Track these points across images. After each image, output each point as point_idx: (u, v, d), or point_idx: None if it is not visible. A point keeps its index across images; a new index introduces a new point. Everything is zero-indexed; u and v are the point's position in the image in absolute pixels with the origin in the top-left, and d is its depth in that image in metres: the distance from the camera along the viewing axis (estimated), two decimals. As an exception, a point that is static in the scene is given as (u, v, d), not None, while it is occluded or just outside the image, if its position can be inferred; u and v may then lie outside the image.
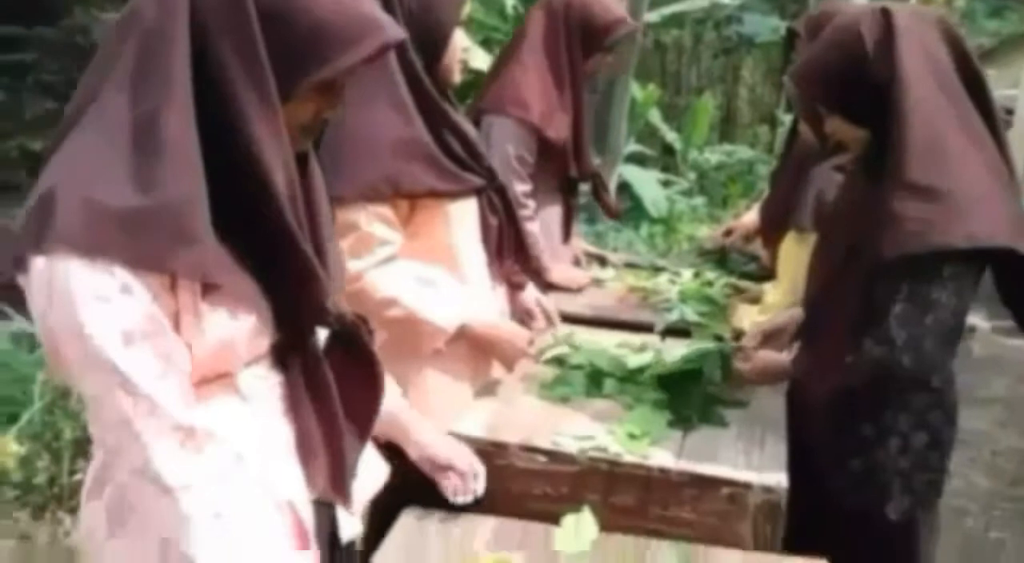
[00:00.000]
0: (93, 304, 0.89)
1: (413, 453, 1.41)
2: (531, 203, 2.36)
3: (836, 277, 1.53)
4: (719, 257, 2.76)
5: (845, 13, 1.53)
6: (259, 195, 0.97)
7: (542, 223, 2.40)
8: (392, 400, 1.35)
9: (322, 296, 1.06)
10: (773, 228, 2.33)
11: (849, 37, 1.45)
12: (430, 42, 1.63)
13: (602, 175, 2.75)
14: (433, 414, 1.57)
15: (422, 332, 1.68)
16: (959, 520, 2.91)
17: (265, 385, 1.11)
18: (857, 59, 1.44)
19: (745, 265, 2.66)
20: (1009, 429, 3.63)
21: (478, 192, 1.76)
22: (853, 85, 1.45)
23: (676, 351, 1.85)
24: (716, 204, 8.84)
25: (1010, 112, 8.95)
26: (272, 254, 1.01)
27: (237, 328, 1.01)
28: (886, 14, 1.43)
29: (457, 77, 1.72)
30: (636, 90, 8.35)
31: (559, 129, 2.27)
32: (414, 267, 1.69)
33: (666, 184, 8.89)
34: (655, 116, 9.19)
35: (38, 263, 0.89)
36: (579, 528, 1.40)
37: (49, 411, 2.97)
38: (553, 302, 2.21)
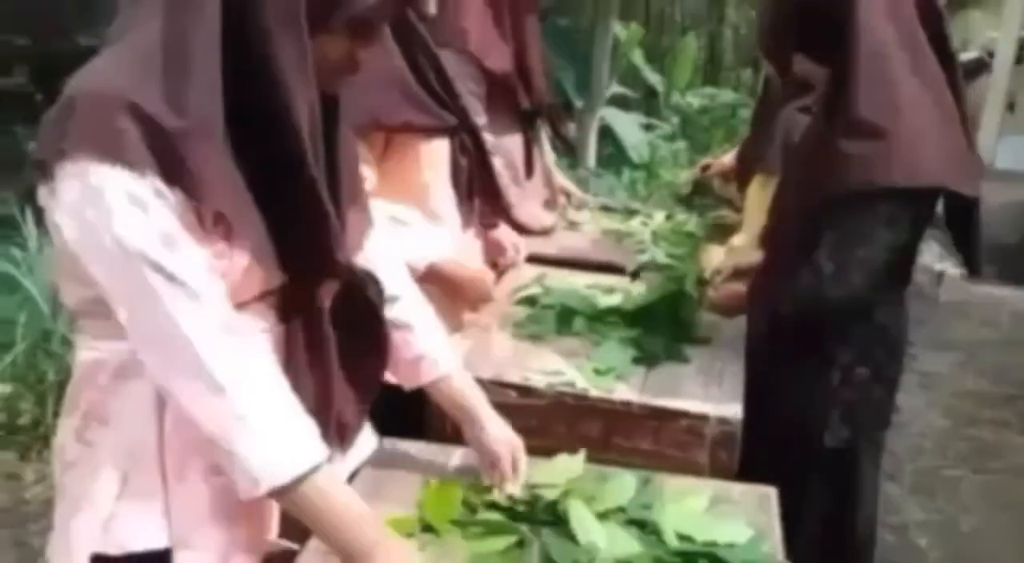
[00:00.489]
0: (129, 208, 0.89)
1: (474, 442, 1.33)
2: (487, 137, 2.24)
3: (788, 213, 1.58)
4: (690, 199, 2.80)
5: None
6: (279, 124, 0.95)
7: (504, 158, 2.32)
8: (465, 382, 1.34)
9: (333, 245, 1.05)
10: (745, 170, 2.38)
11: None
12: None
13: (558, 108, 2.61)
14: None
15: None
16: (916, 458, 3.03)
17: (251, 330, 1.07)
18: (819, 1, 1.46)
19: (716, 208, 2.70)
20: (968, 372, 3.75)
21: (450, 133, 1.78)
22: (814, 23, 1.48)
23: (644, 291, 1.90)
24: (698, 149, 8.79)
25: (991, 55, 8.94)
26: (287, 195, 0.99)
27: (230, 266, 0.99)
28: None
29: (432, 8, 1.72)
30: (619, 30, 8.27)
31: (500, 60, 2.18)
32: (385, 206, 1.72)
33: (648, 128, 8.86)
34: (638, 57, 9.10)
35: (65, 168, 0.89)
36: (565, 465, 1.37)
37: (32, 353, 3.01)
38: (526, 243, 2.27)
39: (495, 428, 1.32)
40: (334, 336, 1.14)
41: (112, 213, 0.89)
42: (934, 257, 4.61)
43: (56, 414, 2.85)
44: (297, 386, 1.07)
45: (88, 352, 1.06)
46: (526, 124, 2.40)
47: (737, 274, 1.76)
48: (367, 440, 1.33)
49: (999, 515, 2.76)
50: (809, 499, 1.68)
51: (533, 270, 2.16)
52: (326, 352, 1.13)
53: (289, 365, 1.10)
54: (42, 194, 0.95)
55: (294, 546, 1.16)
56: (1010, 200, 6.40)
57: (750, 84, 11.06)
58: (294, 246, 1.02)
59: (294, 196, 0.99)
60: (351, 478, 1.29)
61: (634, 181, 7.47)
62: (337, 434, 1.17)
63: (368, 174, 1.67)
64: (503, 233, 1.99)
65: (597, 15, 7.28)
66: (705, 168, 2.82)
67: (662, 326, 1.79)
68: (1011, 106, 10.02)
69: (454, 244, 1.84)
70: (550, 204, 2.64)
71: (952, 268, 4.83)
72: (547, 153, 2.71)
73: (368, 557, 1.00)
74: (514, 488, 1.28)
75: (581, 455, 1.38)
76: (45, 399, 2.86)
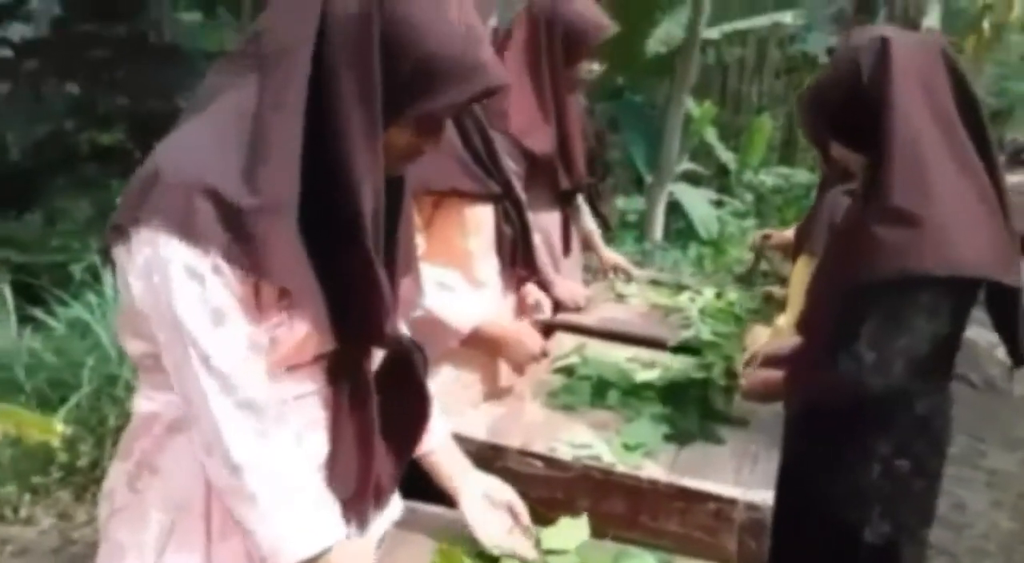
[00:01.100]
0: (187, 280, 0.95)
1: (468, 508, 1.32)
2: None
3: (824, 299, 1.56)
4: (748, 276, 2.79)
5: (853, 38, 1.56)
6: (345, 208, 1.01)
7: (542, 235, 2.36)
8: (449, 448, 1.36)
9: (383, 318, 1.09)
10: (797, 249, 2.36)
11: (847, 65, 1.49)
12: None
13: (598, 187, 2.67)
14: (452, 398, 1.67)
15: (438, 332, 1.75)
16: (980, 562, 2.86)
17: (297, 392, 1.12)
18: (853, 87, 1.47)
19: (771, 284, 2.68)
20: (1042, 473, 3.55)
21: (495, 200, 1.83)
22: (849, 112, 1.49)
23: (684, 368, 1.89)
24: (770, 227, 8.68)
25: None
26: (344, 268, 1.04)
27: (289, 333, 1.05)
28: (884, 43, 1.47)
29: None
30: (693, 107, 8.36)
31: (542, 142, 2.23)
32: (432, 271, 1.77)
33: (719, 204, 8.85)
34: (711, 135, 9.16)
35: (140, 235, 0.96)
36: (571, 529, 1.42)
37: (96, 397, 3.13)
38: (576, 316, 2.30)
39: (487, 492, 1.34)
40: (378, 401, 1.17)
41: (172, 283, 0.96)
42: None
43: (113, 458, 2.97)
44: (341, 446, 1.13)
45: (146, 403, 1.12)
46: (565, 203, 2.45)
47: (767, 361, 1.74)
48: (395, 504, 1.35)
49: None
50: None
51: (574, 340, 2.17)
52: (369, 415, 1.16)
53: (335, 425, 1.15)
54: (118, 253, 1.03)
55: None
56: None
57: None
58: (347, 316, 1.07)
59: (352, 272, 1.05)
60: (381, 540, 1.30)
61: (701, 257, 7.43)
62: (374, 496, 1.20)
63: (418, 240, 1.73)
64: (528, 289, 2.03)
65: (671, 92, 7.39)
66: (766, 238, 2.82)
67: (696, 405, 1.77)
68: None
69: (496, 308, 1.87)
70: (592, 278, 2.65)
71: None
72: (592, 229, 2.75)
73: None
74: (530, 552, 1.29)
75: (584, 518, 1.37)
76: (104, 442, 2.95)
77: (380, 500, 1.22)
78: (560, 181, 2.32)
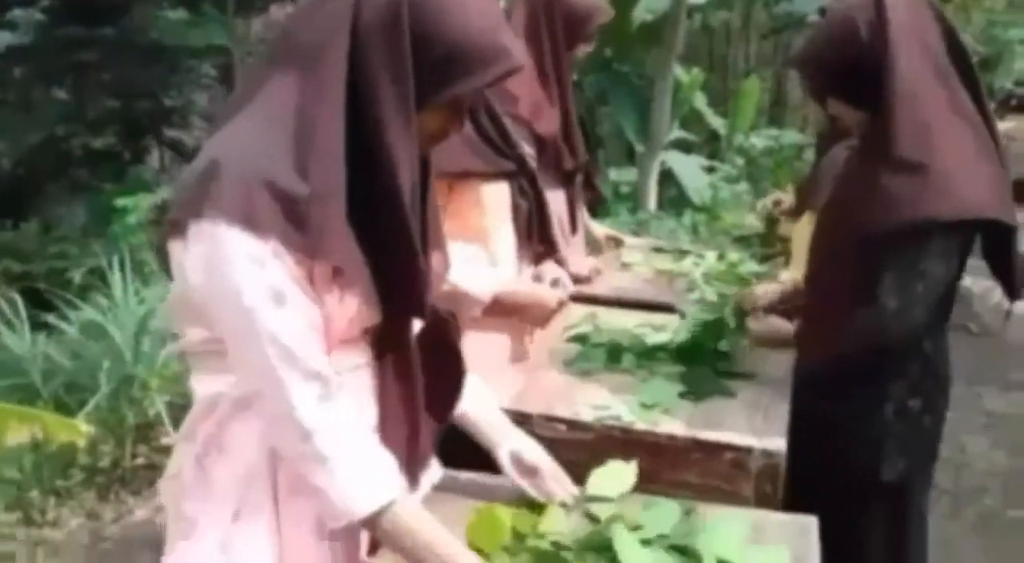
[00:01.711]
0: (248, 265, 1.01)
1: (504, 460, 1.41)
2: None
3: (834, 252, 1.61)
4: (747, 240, 2.84)
5: (842, 2, 1.61)
6: (386, 190, 1.08)
7: (553, 216, 2.31)
8: (487, 407, 1.43)
9: (423, 291, 1.17)
10: (800, 208, 2.41)
11: (844, 24, 1.54)
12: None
13: (592, 164, 2.68)
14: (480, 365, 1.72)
15: (461, 303, 1.81)
16: (979, 498, 2.94)
17: (352, 363, 1.19)
18: (852, 45, 1.52)
19: (770, 250, 2.74)
20: (1037, 413, 3.63)
21: (509, 177, 1.89)
22: (849, 70, 1.54)
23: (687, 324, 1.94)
24: (762, 191, 8.74)
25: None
26: (387, 246, 1.11)
27: (341, 308, 1.12)
28: (879, 1, 1.51)
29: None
30: (681, 74, 8.36)
31: (549, 123, 2.27)
32: (453, 246, 1.83)
33: (711, 171, 8.87)
34: (700, 101, 9.16)
35: (201, 227, 1.02)
36: (617, 476, 1.44)
37: (114, 398, 3.19)
38: (585, 286, 2.38)
39: (517, 440, 1.42)
40: (419, 370, 1.25)
41: (235, 268, 1.02)
42: (1003, 296, 4.48)
43: (134, 456, 3.03)
44: (389, 413, 1.21)
45: (208, 385, 1.18)
46: (568, 183, 2.48)
47: (773, 309, 1.80)
48: (435, 467, 1.43)
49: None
50: (863, 533, 1.68)
51: (585, 309, 2.23)
52: (414, 383, 1.24)
53: (382, 394, 1.22)
54: (173, 246, 1.09)
55: None
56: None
57: (816, 124, 10.97)
58: (391, 290, 1.15)
59: (394, 248, 1.12)
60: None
61: (696, 224, 7.48)
62: (420, 461, 1.28)
63: None
64: (546, 268, 2.09)
65: (659, 61, 7.40)
66: (777, 203, 2.87)
67: (707, 362, 1.83)
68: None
69: (512, 282, 1.93)
70: (594, 253, 2.72)
71: (1021, 306, 4.70)
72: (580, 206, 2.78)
73: None
74: (568, 495, 1.39)
75: (633, 464, 1.43)
76: (124, 442, 3.02)
77: (424, 461, 1.30)
78: (565, 161, 2.36)
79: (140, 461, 3.02)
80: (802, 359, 1.74)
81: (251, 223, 1.00)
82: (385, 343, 1.22)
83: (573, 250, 2.53)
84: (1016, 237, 1.56)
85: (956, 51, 1.52)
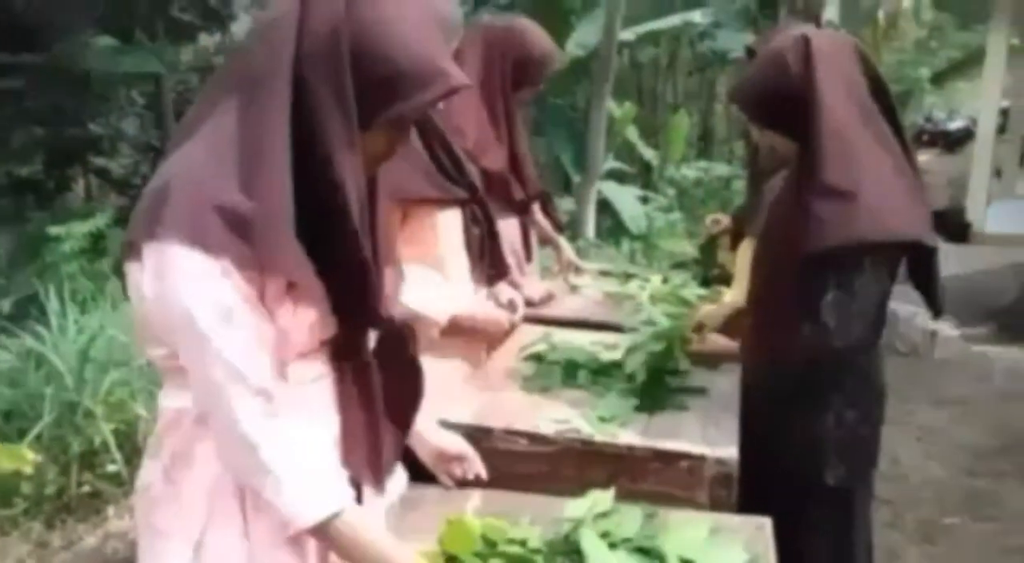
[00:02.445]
0: (198, 284, 1.05)
1: (416, 446, 1.51)
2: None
3: (773, 273, 1.73)
4: (688, 265, 2.97)
5: (776, 39, 1.74)
6: (334, 206, 1.13)
7: (506, 243, 2.40)
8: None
9: (376, 301, 1.22)
10: (737, 236, 2.54)
11: (774, 63, 1.67)
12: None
13: (547, 195, 2.76)
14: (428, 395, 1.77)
15: (418, 325, 1.83)
16: (916, 507, 3.11)
17: (313, 374, 1.24)
18: (782, 81, 1.65)
19: (709, 273, 2.86)
20: (964, 425, 3.85)
21: (462, 204, 1.96)
22: (780, 103, 1.67)
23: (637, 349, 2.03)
24: (695, 220, 9.01)
25: (976, 124, 9.21)
26: (338, 259, 1.17)
27: (297, 321, 1.16)
28: (806, 41, 1.65)
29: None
30: (614, 108, 8.60)
31: (495, 160, 2.36)
32: (409, 270, 1.88)
33: (645, 201, 9.10)
34: (632, 133, 9.42)
35: (152, 248, 1.06)
36: (595, 502, 1.45)
37: (57, 425, 3.12)
38: (535, 310, 2.46)
39: (425, 425, 1.52)
40: (379, 378, 1.30)
41: (184, 287, 1.06)
42: (927, 318, 4.74)
43: (80, 484, 2.97)
44: (349, 421, 1.26)
45: (173, 400, 1.22)
46: (521, 212, 2.58)
47: (720, 325, 1.91)
48: (400, 475, 1.48)
49: (998, 560, 2.82)
50: (810, 536, 1.78)
51: (540, 329, 2.31)
52: (373, 392, 1.29)
53: (342, 403, 1.27)
54: (130, 268, 1.12)
55: None
56: (1001, 263, 6.59)
57: (743, 156, 11.37)
58: (345, 302, 1.20)
59: (345, 261, 1.17)
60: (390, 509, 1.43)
61: (633, 251, 7.67)
62: (384, 466, 1.32)
63: None
64: (500, 289, 2.17)
65: (592, 94, 7.60)
66: (716, 221, 3.00)
67: (660, 378, 1.92)
68: (998, 172, 10.35)
69: (468, 304, 1.99)
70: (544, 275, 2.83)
71: (950, 329, 4.97)
72: (551, 232, 2.86)
73: None
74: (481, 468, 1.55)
75: (611, 492, 1.48)
76: (69, 470, 2.96)
77: (389, 467, 1.35)
78: (514, 193, 2.45)
79: (86, 489, 2.96)
80: (748, 373, 1.85)
81: (200, 242, 1.05)
82: (343, 354, 1.27)
83: (528, 276, 2.62)
84: (937, 258, 1.71)
85: (878, 87, 1.67)
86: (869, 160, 1.62)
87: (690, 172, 10.16)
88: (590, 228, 7.70)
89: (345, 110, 1.11)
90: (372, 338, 1.30)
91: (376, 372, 1.29)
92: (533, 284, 2.61)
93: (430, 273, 1.90)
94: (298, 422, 1.16)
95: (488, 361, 2.14)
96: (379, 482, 1.30)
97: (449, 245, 1.95)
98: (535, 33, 2.39)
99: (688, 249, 7.15)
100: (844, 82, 1.64)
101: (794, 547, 1.73)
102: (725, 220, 2.97)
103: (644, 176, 10.20)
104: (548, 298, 2.61)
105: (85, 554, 2.62)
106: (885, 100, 1.68)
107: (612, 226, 8.44)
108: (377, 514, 1.35)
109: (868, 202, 1.58)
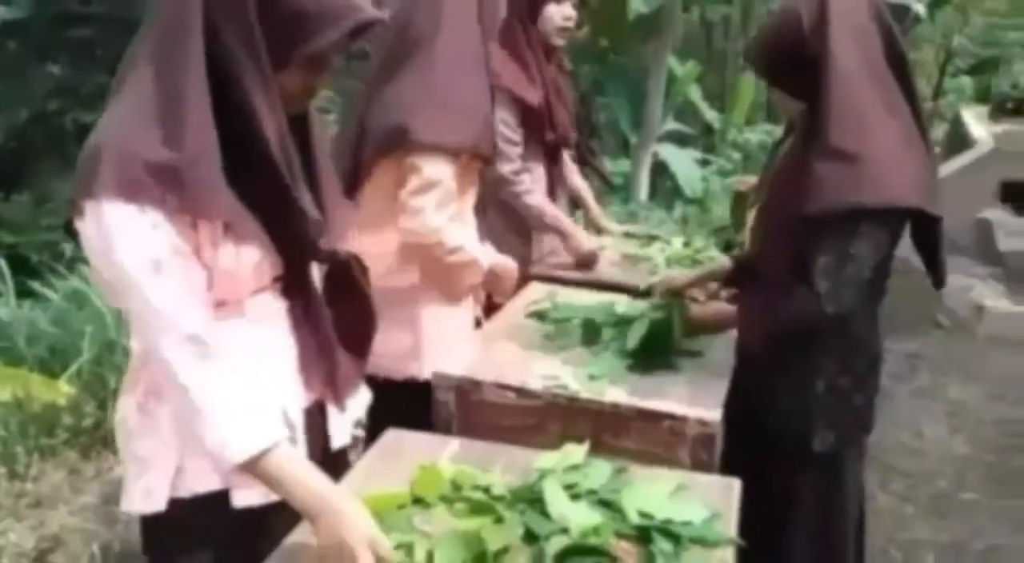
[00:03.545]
0: (128, 237, 1.11)
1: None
2: (523, 179, 2.47)
3: (771, 235, 1.70)
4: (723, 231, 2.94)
5: None
6: (256, 148, 1.18)
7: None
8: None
9: (313, 234, 1.29)
10: (758, 198, 2.49)
11: (790, 19, 1.62)
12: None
13: (586, 143, 2.88)
14: (451, 339, 1.99)
15: (473, 273, 2.00)
16: (933, 482, 3.04)
17: (269, 309, 1.32)
18: (795, 39, 1.60)
19: (738, 235, 2.82)
20: (996, 402, 3.71)
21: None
22: (791, 61, 1.62)
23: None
24: (758, 185, 8.71)
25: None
26: (270, 199, 1.22)
27: (241, 261, 1.22)
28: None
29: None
30: (676, 67, 8.42)
31: (532, 94, 2.41)
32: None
33: (704, 164, 8.95)
34: (696, 94, 9.21)
35: (88, 206, 1.12)
36: (568, 455, 1.48)
37: (97, 363, 3.28)
38: (549, 267, 2.54)
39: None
40: (329, 308, 1.38)
41: (116, 241, 1.11)
42: (978, 292, 4.58)
43: (116, 418, 3.12)
44: (306, 352, 1.35)
45: (140, 343, 1.28)
46: (550, 159, 2.62)
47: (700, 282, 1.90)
48: (365, 394, 1.55)
49: (1018, 536, 2.76)
50: (797, 502, 1.77)
51: (546, 288, 2.32)
52: (323, 323, 1.37)
53: (298, 336, 1.35)
54: (80, 225, 1.17)
55: None
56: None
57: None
58: (283, 239, 1.27)
59: (274, 198, 1.23)
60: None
61: (686, 216, 7.55)
62: (343, 384, 1.42)
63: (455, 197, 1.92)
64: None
65: (653, 53, 7.45)
66: (743, 182, 2.95)
67: (656, 342, 1.91)
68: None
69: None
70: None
71: (1003, 304, 4.78)
72: (581, 186, 2.91)
73: (319, 518, 1.16)
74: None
75: (585, 446, 1.50)
76: (107, 405, 3.09)
77: (349, 387, 1.44)
78: (546, 133, 2.50)
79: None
80: (742, 336, 1.83)
81: (130, 197, 1.10)
82: (291, 289, 1.34)
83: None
84: (941, 228, 1.65)
85: (893, 52, 1.60)
86: (876, 124, 1.56)
87: (754, 135, 9.90)
88: (643, 190, 7.61)
89: (253, 51, 1.16)
90: (317, 273, 1.39)
91: (322, 301, 1.37)
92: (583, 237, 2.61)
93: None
94: (238, 362, 1.21)
95: (491, 316, 2.16)
96: (339, 400, 1.40)
97: (470, 200, 2.06)
98: None
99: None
100: (858, 43, 1.58)
101: (781, 513, 1.74)
102: (751, 181, 2.91)
103: (707, 138, 10.00)
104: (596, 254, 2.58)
105: (112, 482, 2.75)
106: (899, 62, 1.62)
107: (669, 189, 8.32)
108: (343, 429, 1.47)
109: (872, 167, 1.54)
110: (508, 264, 2.11)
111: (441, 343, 1.97)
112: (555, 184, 2.65)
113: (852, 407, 1.72)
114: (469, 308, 2.10)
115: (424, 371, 1.92)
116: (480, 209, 2.09)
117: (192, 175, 1.13)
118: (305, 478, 1.18)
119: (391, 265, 1.93)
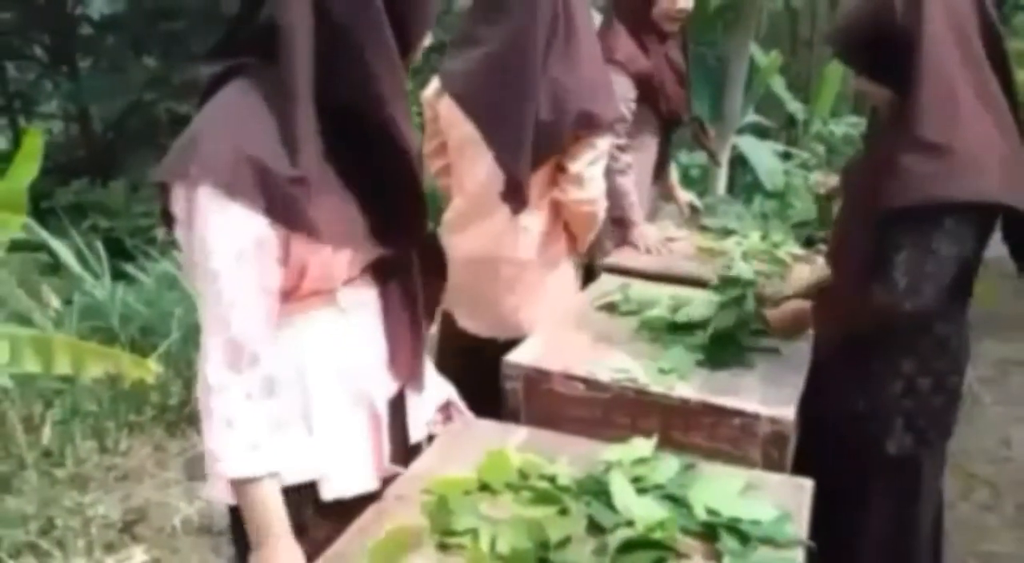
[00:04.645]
0: (218, 224, 1.12)
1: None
2: (624, 157, 2.58)
3: (853, 227, 1.65)
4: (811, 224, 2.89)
5: None
6: (386, 140, 1.20)
7: (638, 168, 2.66)
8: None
9: (425, 220, 1.33)
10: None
11: (882, 3, 1.55)
12: None
13: (700, 121, 3.06)
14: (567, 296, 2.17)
15: (597, 225, 2.17)
16: (1019, 490, 2.90)
17: (361, 298, 1.33)
18: (886, 24, 1.53)
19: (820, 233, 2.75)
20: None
21: None
22: (881, 48, 1.55)
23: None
24: (841, 177, 8.45)
25: None
26: (392, 186, 1.25)
27: (336, 258, 1.24)
28: None
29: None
30: (759, 57, 8.21)
31: (645, 67, 2.58)
32: None
33: (787, 157, 8.72)
34: (779, 85, 8.97)
35: (183, 188, 1.14)
36: (636, 446, 1.48)
37: (184, 343, 3.41)
38: (623, 258, 2.54)
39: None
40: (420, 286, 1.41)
41: (207, 225, 1.13)
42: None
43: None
44: (397, 338, 1.37)
45: None
46: (663, 134, 2.77)
47: (799, 294, 1.84)
48: (443, 385, 1.59)
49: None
50: (870, 507, 1.72)
51: (618, 280, 2.30)
52: (417, 303, 1.40)
53: (391, 321, 1.37)
54: (173, 207, 1.19)
55: (402, 470, 1.42)
56: None
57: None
58: (396, 223, 1.29)
59: (399, 187, 1.26)
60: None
61: (765, 211, 7.37)
62: (424, 369, 1.45)
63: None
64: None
65: (734, 42, 7.29)
66: (823, 182, 2.88)
67: (730, 336, 1.88)
68: None
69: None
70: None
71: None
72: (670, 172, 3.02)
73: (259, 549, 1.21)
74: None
75: (653, 440, 1.49)
76: (191, 384, 3.22)
77: (425, 371, 1.47)
78: (660, 105, 2.64)
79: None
80: (818, 332, 1.78)
81: (225, 186, 1.11)
82: (390, 271, 1.36)
83: (645, 203, 2.78)
84: None
85: (991, 39, 1.53)
86: (970, 115, 1.49)
87: (838, 128, 9.59)
88: (721, 183, 7.47)
89: (382, 40, 1.16)
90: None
91: (418, 281, 1.39)
92: (647, 231, 2.67)
93: None
94: (256, 382, 1.20)
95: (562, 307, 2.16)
96: (420, 378, 1.43)
97: None
98: None
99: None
100: (955, 28, 1.51)
101: (851, 514, 1.70)
102: (832, 181, 2.82)
103: (789, 131, 9.73)
104: (649, 251, 2.62)
105: (195, 460, 2.87)
106: (999, 54, 1.54)
107: (749, 183, 8.14)
108: (421, 423, 1.49)
109: (961, 160, 1.47)
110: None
111: (557, 301, 2.14)
112: (665, 159, 2.82)
113: (931, 410, 1.66)
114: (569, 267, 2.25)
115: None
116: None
117: (297, 191, 1.14)
118: (273, 525, 1.21)
119: (544, 237, 2.10)
